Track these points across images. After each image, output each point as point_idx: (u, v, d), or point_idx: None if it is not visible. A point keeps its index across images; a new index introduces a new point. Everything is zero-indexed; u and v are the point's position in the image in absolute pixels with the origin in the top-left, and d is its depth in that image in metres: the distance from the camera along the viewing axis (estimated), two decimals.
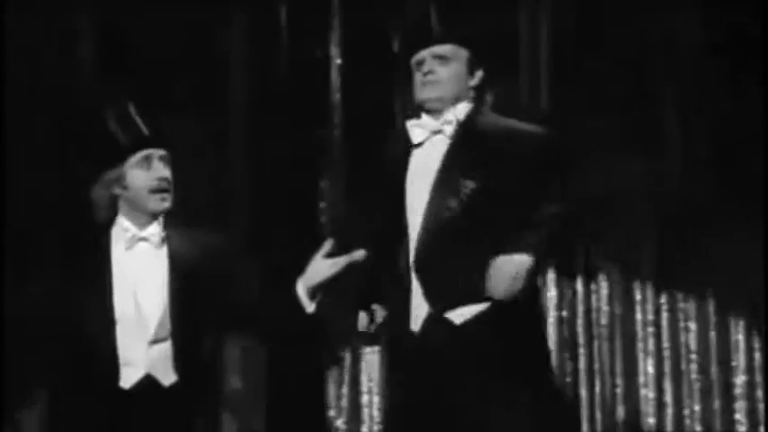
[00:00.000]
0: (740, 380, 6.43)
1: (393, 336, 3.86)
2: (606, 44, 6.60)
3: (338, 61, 6.71)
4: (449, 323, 3.70)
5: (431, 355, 3.70)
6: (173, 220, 3.96)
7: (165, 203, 3.90)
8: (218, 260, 3.95)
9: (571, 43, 6.61)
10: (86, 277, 3.86)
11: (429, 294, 3.72)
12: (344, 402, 6.50)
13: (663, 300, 6.55)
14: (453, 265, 3.71)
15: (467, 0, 4.11)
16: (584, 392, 6.50)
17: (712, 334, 6.50)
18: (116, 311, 3.80)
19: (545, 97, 6.58)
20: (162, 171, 3.89)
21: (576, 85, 6.57)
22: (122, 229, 3.90)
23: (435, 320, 3.72)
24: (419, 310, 3.75)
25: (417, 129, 3.87)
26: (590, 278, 6.58)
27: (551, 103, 6.57)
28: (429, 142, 3.86)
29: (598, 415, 6.49)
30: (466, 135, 3.83)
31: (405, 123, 3.93)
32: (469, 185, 3.72)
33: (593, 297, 6.58)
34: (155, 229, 3.90)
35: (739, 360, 6.46)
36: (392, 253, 3.79)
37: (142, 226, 3.90)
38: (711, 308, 6.51)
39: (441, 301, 3.71)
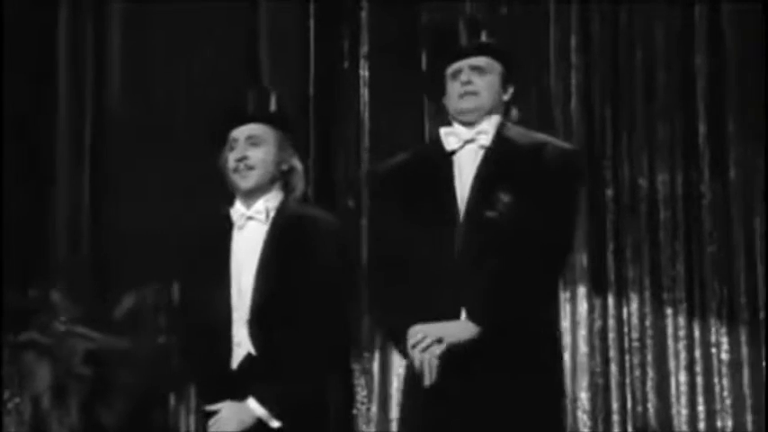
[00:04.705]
0: None
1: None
2: None
3: (366, 73, 6.73)
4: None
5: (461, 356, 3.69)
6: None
7: (245, 181, 3.97)
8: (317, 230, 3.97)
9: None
10: (212, 265, 3.96)
11: (466, 300, 3.71)
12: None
13: (694, 313, 6.51)
14: (491, 272, 3.70)
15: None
16: (615, 406, 6.45)
17: (744, 349, 6.45)
18: (233, 295, 3.90)
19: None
20: (243, 151, 3.97)
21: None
22: (237, 209, 4.00)
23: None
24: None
25: (451, 137, 3.90)
26: (621, 292, 6.55)
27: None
28: (463, 151, 3.88)
29: (630, 429, 6.45)
30: (498, 147, 3.86)
31: (438, 131, 3.95)
32: (506, 198, 3.74)
33: (624, 311, 6.55)
34: (261, 206, 3.97)
35: None
36: (442, 254, 3.77)
37: (250, 204, 3.99)
38: (743, 324, 6.45)
39: (476, 308, 3.70)
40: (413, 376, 3.73)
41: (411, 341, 3.68)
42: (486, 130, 3.87)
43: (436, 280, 3.74)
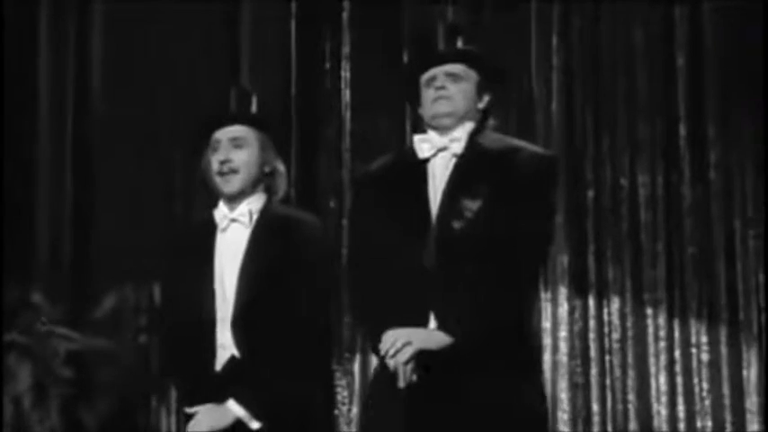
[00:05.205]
0: (753, 397, 6.40)
1: None
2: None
3: (347, 74, 6.73)
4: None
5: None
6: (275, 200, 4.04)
7: (229, 186, 3.96)
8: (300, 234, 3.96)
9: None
10: (195, 267, 3.94)
11: (435, 308, 3.71)
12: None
13: (674, 314, 6.53)
14: (462, 281, 3.68)
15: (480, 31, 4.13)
16: (596, 407, 6.46)
17: (724, 349, 6.47)
18: (217, 297, 3.88)
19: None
20: (227, 153, 3.95)
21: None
22: (220, 211, 3.98)
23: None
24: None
25: (424, 144, 3.88)
26: (602, 293, 6.56)
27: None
28: (436, 159, 3.86)
29: (610, 429, 6.46)
30: (469, 154, 3.84)
31: (412, 138, 3.94)
32: (474, 206, 3.73)
33: (605, 312, 6.56)
34: (244, 209, 3.96)
35: (750, 376, 6.43)
36: (415, 263, 3.76)
37: (233, 207, 3.97)
38: (723, 324, 6.47)
39: (447, 317, 3.68)
40: (386, 376, 3.71)
41: (382, 347, 3.67)
42: (459, 138, 3.84)
43: (409, 287, 3.73)
